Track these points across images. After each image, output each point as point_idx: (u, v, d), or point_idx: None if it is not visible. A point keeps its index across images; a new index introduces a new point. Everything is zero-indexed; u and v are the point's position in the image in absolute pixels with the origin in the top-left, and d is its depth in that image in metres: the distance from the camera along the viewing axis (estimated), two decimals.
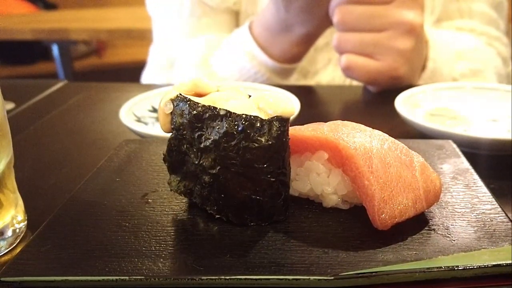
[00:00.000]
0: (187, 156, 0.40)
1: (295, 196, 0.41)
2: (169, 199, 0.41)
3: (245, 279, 0.32)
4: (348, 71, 0.81)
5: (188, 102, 0.39)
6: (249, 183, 0.37)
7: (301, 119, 0.58)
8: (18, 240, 0.42)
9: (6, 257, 0.40)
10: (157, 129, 0.65)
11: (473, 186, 0.42)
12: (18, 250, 0.39)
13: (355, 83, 0.89)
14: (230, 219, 0.38)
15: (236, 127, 0.36)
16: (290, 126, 0.38)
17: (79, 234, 0.37)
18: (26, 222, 0.43)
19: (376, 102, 0.83)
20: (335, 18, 0.79)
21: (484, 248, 0.34)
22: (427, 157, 0.40)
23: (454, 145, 0.50)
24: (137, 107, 0.70)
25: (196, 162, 0.39)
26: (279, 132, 0.36)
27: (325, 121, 0.42)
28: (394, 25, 0.77)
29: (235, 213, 0.38)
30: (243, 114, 0.36)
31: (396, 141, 0.40)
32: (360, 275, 0.31)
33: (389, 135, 0.41)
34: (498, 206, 0.39)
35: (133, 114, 0.67)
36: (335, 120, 0.41)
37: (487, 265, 0.32)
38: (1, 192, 0.41)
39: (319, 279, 0.31)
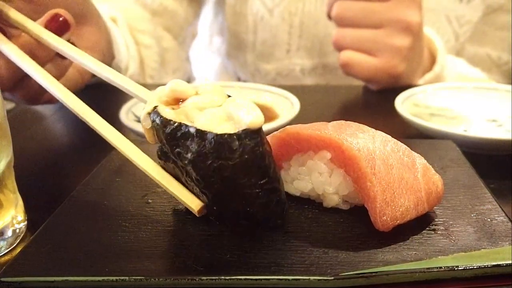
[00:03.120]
0: (175, 169, 0.39)
1: (296, 195, 0.41)
2: (169, 199, 0.41)
3: (245, 279, 0.32)
4: (346, 67, 0.81)
5: (162, 119, 0.37)
6: (236, 197, 0.36)
7: (301, 119, 0.58)
8: (18, 240, 0.42)
9: (6, 257, 0.40)
10: None
11: (473, 186, 0.42)
12: (18, 250, 0.39)
13: (355, 82, 0.89)
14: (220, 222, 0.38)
15: (207, 146, 0.35)
16: (292, 124, 0.38)
17: (79, 234, 0.37)
18: (26, 222, 0.43)
19: (376, 102, 0.83)
20: (334, 13, 0.79)
21: (484, 248, 0.34)
22: (427, 157, 0.40)
23: (454, 145, 0.50)
24: (137, 107, 0.70)
25: (184, 176, 0.38)
26: (251, 145, 0.34)
27: (326, 121, 0.42)
28: (392, 22, 0.78)
29: (231, 222, 0.37)
30: (212, 132, 0.35)
31: (399, 142, 0.40)
32: (360, 275, 0.31)
33: (390, 135, 0.41)
34: (498, 206, 0.39)
35: (133, 114, 0.67)
36: (335, 120, 0.41)
37: (487, 265, 0.32)
38: (1, 192, 0.41)
39: (319, 279, 0.31)
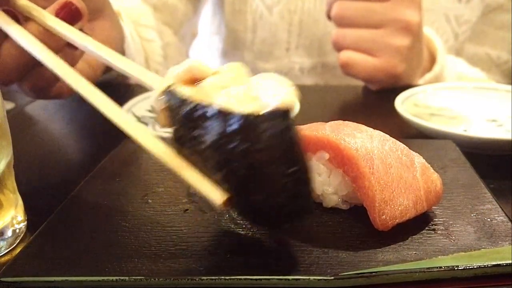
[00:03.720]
0: (193, 156, 0.35)
1: None
2: (169, 199, 0.41)
3: (245, 279, 0.32)
4: (346, 67, 0.81)
5: (179, 98, 0.34)
6: (260, 188, 0.32)
7: (301, 119, 0.58)
8: (18, 241, 0.42)
9: (6, 258, 0.40)
10: (157, 130, 0.65)
11: (473, 186, 0.42)
12: (18, 250, 0.39)
13: (354, 82, 0.89)
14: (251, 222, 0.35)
15: (230, 127, 0.31)
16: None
17: (79, 234, 0.37)
18: (26, 223, 0.43)
19: (376, 102, 0.83)
20: (333, 13, 0.79)
21: (484, 248, 0.34)
22: (427, 157, 0.40)
23: (454, 145, 0.50)
24: (137, 107, 0.70)
25: (202, 164, 0.34)
26: (280, 128, 0.30)
27: (325, 121, 0.42)
28: (391, 22, 0.78)
29: (252, 217, 0.35)
30: (236, 111, 0.31)
31: (397, 141, 0.40)
32: (360, 275, 0.31)
33: (389, 135, 0.41)
34: (498, 206, 0.39)
35: (133, 115, 0.67)
36: (335, 120, 0.41)
37: (487, 265, 0.32)
38: (1, 193, 0.41)
39: (319, 279, 0.31)
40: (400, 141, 0.40)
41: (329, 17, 0.82)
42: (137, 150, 0.51)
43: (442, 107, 0.70)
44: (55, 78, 0.47)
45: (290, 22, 1.03)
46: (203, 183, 0.34)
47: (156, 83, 0.38)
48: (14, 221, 0.42)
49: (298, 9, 1.02)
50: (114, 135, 0.68)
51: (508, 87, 0.72)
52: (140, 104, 0.71)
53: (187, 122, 0.33)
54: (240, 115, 0.30)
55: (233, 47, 1.11)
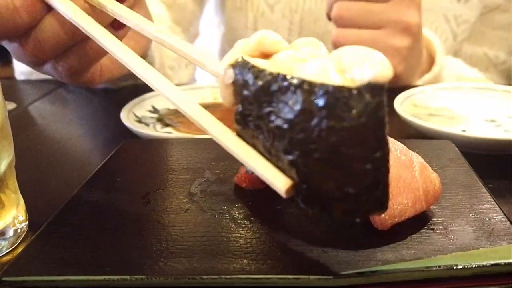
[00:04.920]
0: (257, 137, 0.31)
1: None
2: (169, 199, 0.42)
3: (245, 278, 0.32)
4: None
5: (252, 69, 0.30)
6: (337, 173, 0.28)
7: None
8: (20, 240, 0.42)
9: (8, 257, 0.40)
10: (157, 130, 0.66)
11: (471, 186, 0.42)
12: (19, 250, 0.39)
13: None
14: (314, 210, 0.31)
15: (315, 101, 0.27)
16: None
17: (80, 234, 0.37)
18: (27, 222, 0.43)
19: None
20: (334, 13, 0.80)
21: (483, 247, 0.34)
22: (426, 157, 0.40)
23: (453, 145, 0.51)
24: (138, 107, 0.70)
25: (268, 145, 0.30)
26: (373, 104, 0.26)
27: None
28: (391, 23, 0.78)
29: (321, 207, 0.31)
30: (323, 83, 0.27)
31: (396, 141, 0.40)
32: (359, 274, 0.32)
33: (388, 135, 0.41)
34: (497, 206, 0.39)
35: (134, 115, 0.68)
36: None
37: (486, 264, 0.32)
38: (3, 192, 0.41)
39: (319, 278, 0.31)
40: (399, 141, 0.40)
41: (329, 17, 0.83)
42: (138, 151, 0.51)
43: (441, 107, 0.70)
44: (90, 61, 0.46)
45: (291, 21, 1.03)
46: (266, 168, 0.31)
47: (212, 62, 0.35)
48: (16, 221, 0.42)
49: (299, 8, 1.03)
50: (115, 135, 0.69)
51: (507, 87, 0.72)
52: (141, 105, 0.71)
53: (259, 96, 0.30)
54: (328, 87, 0.27)
55: (231, 45, 1.11)
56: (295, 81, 0.28)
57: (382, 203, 0.29)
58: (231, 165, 0.46)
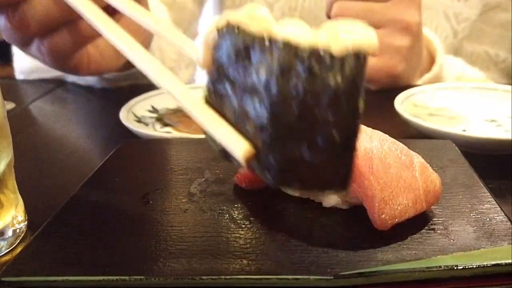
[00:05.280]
0: (226, 99, 0.31)
1: (295, 196, 0.41)
2: (169, 199, 0.41)
3: (245, 279, 0.32)
4: None
5: (237, 31, 0.30)
6: (304, 137, 0.28)
7: None
8: (19, 240, 0.42)
9: (7, 257, 0.40)
10: (157, 130, 0.66)
11: (472, 186, 0.42)
12: (18, 250, 0.39)
13: None
14: (269, 175, 0.30)
15: (296, 61, 0.27)
16: None
17: (79, 234, 0.37)
18: (26, 222, 0.43)
19: (375, 102, 0.83)
20: (333, 14, 0.80)
21: (483, 248, 0.34)
22: (426, 157, 0.40)
23: (453, 145, 0.50)
24: (137, 107, 0.70)
25: (236, 106, 0.30)
26: (354, 71, 0.27)
27: None
28: (391, 22, 0.78)
29: (279, 171, 0.30)
30: (307, 45, 0.27)
31: (396, 141, 0.40)
32: (360, 274, 0.32)
33: (389, 135, 0.41)
34: (497, 206, 0.39)
35: (133, 115, 0.68)
36: None
37: (487, 264, 0.32)
38: (2, 193, 0.41)
39: (319, 279, 0.31)
40: (399, 141, 0.40)
41: (329, 17, 0.83)
42: (137, 151, 0.51)
43: (441, 107, 0.70)
44: (76, 46, 0.45)
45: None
46: (229, 134, 0.30)
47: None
48: (15, 221, 0.42)
49: (298, 6, 1.03)
50: (114, 135, 0.69)
51: (507, 87, 0.72)
52: (141, 104, 0.71)
53: (242, 56, 0.30)
54: (310, 48, 0.27)
55: None
56: (278, 41, 0.28)
57: (344, 179, 0.29)
58: (231, 165, 0.46)
